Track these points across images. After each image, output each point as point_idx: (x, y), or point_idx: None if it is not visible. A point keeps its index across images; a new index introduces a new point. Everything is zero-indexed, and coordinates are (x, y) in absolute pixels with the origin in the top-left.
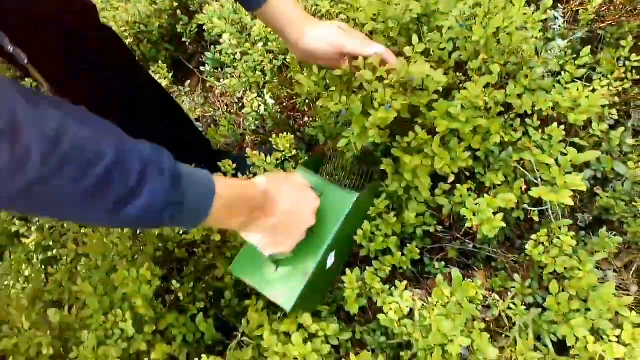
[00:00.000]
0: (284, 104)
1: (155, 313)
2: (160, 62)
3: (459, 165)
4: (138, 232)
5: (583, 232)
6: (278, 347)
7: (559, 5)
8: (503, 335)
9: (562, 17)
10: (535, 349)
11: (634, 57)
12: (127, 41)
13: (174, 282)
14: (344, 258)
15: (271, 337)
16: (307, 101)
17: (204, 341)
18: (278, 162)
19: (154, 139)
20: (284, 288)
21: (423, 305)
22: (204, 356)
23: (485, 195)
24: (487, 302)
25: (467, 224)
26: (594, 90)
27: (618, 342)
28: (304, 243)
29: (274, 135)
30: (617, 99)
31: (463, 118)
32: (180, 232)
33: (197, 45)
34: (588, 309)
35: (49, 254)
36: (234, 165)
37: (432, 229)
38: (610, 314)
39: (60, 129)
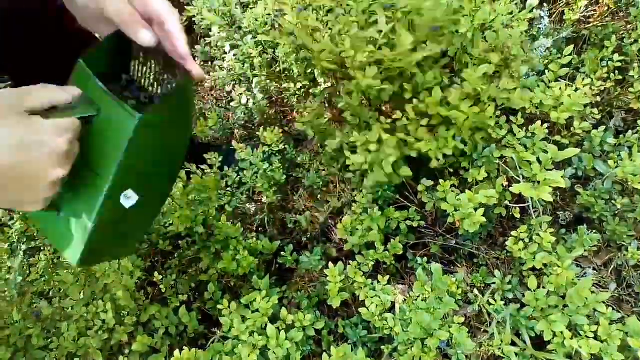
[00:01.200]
0: (273, 99)
1: (137, 305)
2: None
3: (445, 151)
4: None
5: (564, 230)
6: (254, 340)
7: (544, 4)
8: (482, 330)
9: (547, 16)
10: (514, 344)
11: (616, 57)
12: None
13: (156, 273)
14: (165, 188)
15: (246, 332)
16: (296, 95)
17: (187, 334)
18: (265, 155)
19: None
20: (69, 239)
21: (404, 299)
22: (185, 349)
23: (467, 191)
24: (468, 298)
25: (449, 220)
26: (576, 90)
27: (595, 338)
28: (83, 184)
29: (261, 129)
30: (598, 99)
31: (464, 108)
32: (165, 224)
33: (188, 38)
34: (566, 305)
35: (32, 244)
36: (220, 159)
37: (415, 224)
38: (587, 310)
39: None
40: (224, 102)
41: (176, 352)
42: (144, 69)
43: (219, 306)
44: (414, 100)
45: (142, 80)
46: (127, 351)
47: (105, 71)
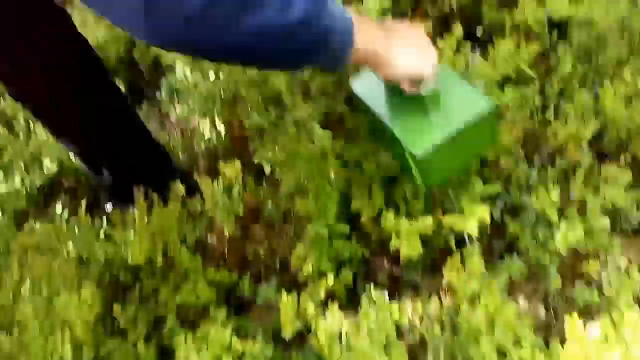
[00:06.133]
0: (235, 133)
1: (96, 338)
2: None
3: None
4: (84, 256)
5: (498, 259)
6: None
7: None
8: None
9: None
10: None
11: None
12: None
13: (114, 306)
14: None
15: None
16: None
17: None
18: (225, 188)
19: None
20: (420, 135)
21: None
22: None
23: (403, 220)
24: (411, 326)
25: (392, 243)
26: None
27: None
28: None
29: (221, 163)
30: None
31: None
32: (127, 256)
33: (154, 73)
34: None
35: None
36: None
37: (359, 255)
38: (513, 335)
39: None
40: (189, 134)
41: None
42: None
43: (175, 341)
44: None
45: None
46: None
47: None
